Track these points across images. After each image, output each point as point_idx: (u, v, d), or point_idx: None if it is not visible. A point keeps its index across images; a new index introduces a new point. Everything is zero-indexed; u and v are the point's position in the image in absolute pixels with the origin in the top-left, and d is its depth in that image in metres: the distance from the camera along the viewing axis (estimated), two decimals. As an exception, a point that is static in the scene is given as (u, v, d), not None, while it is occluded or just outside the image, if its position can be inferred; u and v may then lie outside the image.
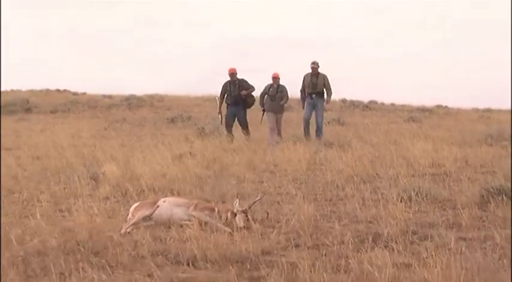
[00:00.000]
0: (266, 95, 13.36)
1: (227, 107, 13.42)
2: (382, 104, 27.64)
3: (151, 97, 27.84)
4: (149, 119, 20.26)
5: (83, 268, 4.68)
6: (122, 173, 8.55)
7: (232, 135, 13.05)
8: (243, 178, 8.45)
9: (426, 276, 4.25)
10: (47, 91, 31.88)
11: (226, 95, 13.36)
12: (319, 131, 13.20)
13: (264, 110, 13.48)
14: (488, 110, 25.33)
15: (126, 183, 7.95)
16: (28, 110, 23.77)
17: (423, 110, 24.19)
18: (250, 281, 4.53)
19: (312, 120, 13.37)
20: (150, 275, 4.59)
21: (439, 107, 26.73)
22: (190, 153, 10.49)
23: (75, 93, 31.63)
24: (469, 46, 69.03)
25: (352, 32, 76.79)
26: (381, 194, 7.13)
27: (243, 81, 13.32)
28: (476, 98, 44.29)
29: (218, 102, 13.70)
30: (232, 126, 13.34)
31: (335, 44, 73.87)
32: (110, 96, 29.18)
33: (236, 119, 13.34)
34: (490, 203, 6.31)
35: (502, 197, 6.33)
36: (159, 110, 23.58)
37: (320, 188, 7.83)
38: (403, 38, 74.13)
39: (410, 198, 6.69)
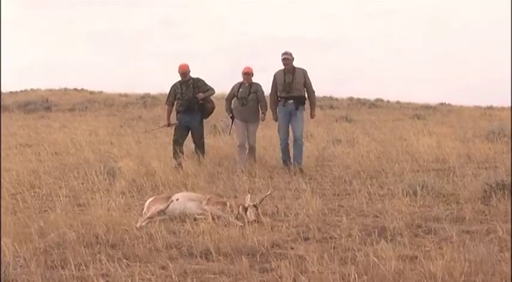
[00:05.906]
0: (235, 98, 9.77)
1: (177, 115, 10.08)
2: (388, 101, 27.69)
3: (165, 96, 27.90)
4: (164, 117, 20.27)
5: (100, 260, 4.86)
6: (138, 169, 8.68)
7: (182, 154, 9.42)
8: (254, 174, 8.55)
9: (430, 269, 4.34)
10: (66, 90, 32.00)
11: (176, 99, 10.01)
12: (297, 148, 9.14)
13: (232, 117, 9.90)
14: (491, 108, 25.21)
15: (141, 178, 8.11)
16: (47, 109, 23.97)
17: (427, 107, 24.26)
18: (261, 273, 4.64)
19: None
20: (164, 267, 4.73)
21: (442, 104, 26.82)
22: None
23: (92, 92, 31.71)
24: (475, 44, 68.52)
25: (359, 31, 76.32)
26: (387, 189, 7.30)
27: (198, 80, 9.91)
28: (479, 96, 44.31)
29: (166, 111, 10.47)
30: (183, 143, 9.84)
31: (342, 44, 73.54)
32: (125, 95, 29.26)
33: (189, 132, 9.88)
34: (493, 198, 6.43)
35: (504, 192, 6.44)
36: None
37: (328, 183, 7.99)
38: (408, 37, 73.76)
39: (415, 193, 6.82)
